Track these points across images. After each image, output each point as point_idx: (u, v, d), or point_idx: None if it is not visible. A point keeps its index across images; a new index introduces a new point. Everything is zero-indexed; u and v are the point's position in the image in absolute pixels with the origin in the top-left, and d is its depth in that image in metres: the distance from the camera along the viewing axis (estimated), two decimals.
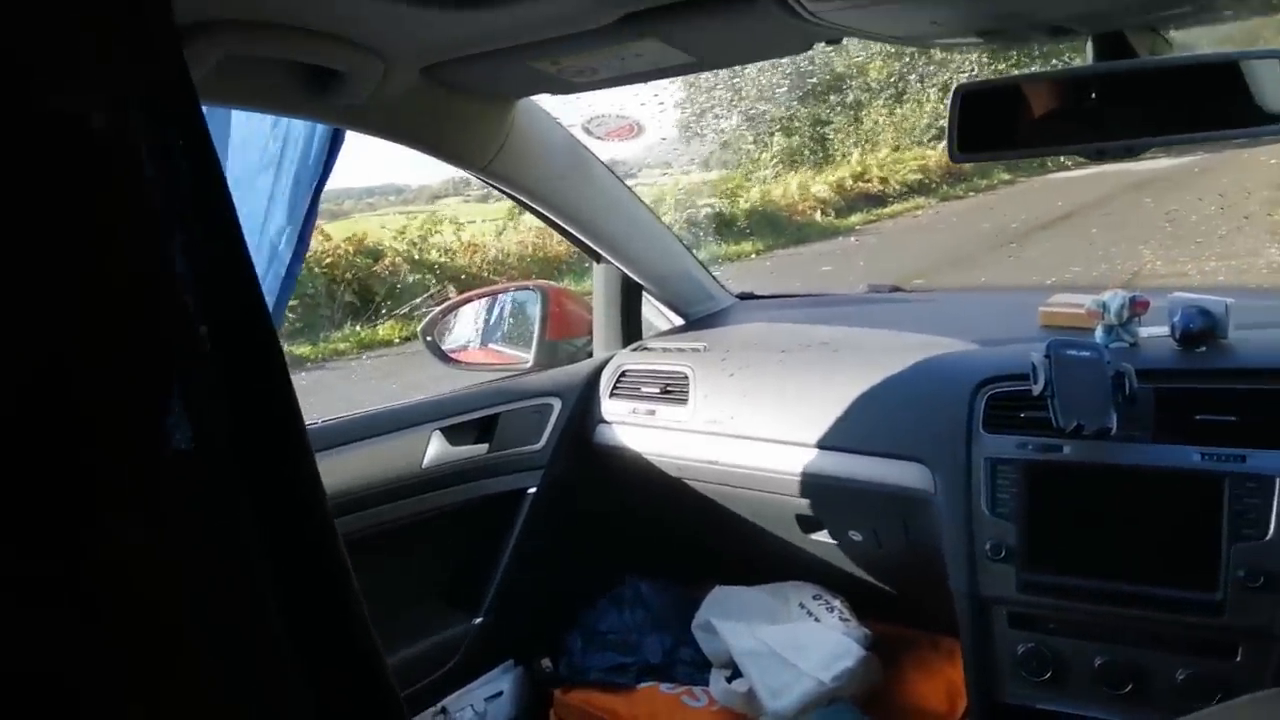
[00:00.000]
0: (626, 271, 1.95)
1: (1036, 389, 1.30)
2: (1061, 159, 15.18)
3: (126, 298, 0.53)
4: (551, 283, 2.36)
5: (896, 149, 12.37)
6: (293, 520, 0.73)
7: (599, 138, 2.38)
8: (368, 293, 7.91)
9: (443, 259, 8.79)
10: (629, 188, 1.91)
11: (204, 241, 0.55)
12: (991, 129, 1.13)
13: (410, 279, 8.22)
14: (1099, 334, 1.44)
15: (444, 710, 1.69)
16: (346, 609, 0.73)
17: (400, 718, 0.79)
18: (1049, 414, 1.28)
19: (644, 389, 1.83)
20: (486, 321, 2.21)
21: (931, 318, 1.82)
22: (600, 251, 1.91)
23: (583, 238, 1.87)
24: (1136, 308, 1.43)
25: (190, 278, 0.55)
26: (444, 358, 2.10)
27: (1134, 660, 1.27)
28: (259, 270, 1.44)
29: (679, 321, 2.05)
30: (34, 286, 0.49)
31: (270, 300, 1.55)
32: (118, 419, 0.54)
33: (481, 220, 9.76)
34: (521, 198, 1.74)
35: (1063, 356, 1.29)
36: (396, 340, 7.14)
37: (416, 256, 8.70)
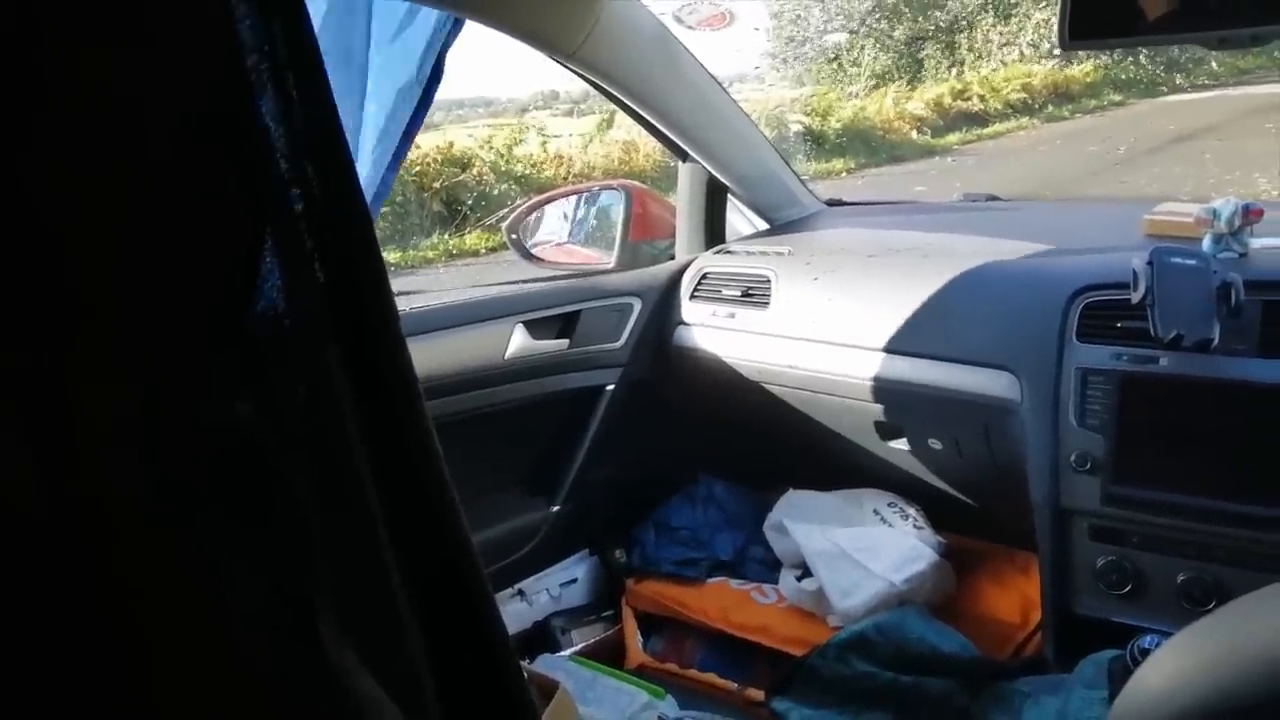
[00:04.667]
0: (713, 171, 1.92)
1: (1136, 297, 1.25)
2: (1176, 79, 14.37)
3: (217, 145, 0.54)
4: (636, 183, 2.33)
5: (1001, 66, 11.83)
6: (384, 394, 0.74)
7: (690, 27, 2.31)
8: (455, 202, 7.97)
9: (528, 170, 8.79)
10: (719, 83, 1.87)
11: (297, 108, 0.55)
12: (1105, 14, 1.06)
13: (496, 189, 8.26)
14: (1206, 243, 1.38)
15: (521, 592, 1.76)
16: (441, 489, 0.75)
17: (488, 603, 0.82)
18: (1147, 324, 1.23)
19: (725, 291, 1.81)
20: (570, 220, 2.21)
21: (1028, 226, 1.75)
22: (687, 149, 1.88)
23: (670, 134, 1.84)
24: (1249, 216, 1.35)
25: (282, 141, 0.56)
26: (527, 255, 2.11)
27: (1219, 578, 1.24)
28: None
29: (763, 226, 2.02)
30: (128, 123, 0.49)
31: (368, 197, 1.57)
32: (213, 270, 0.56)
33: (568, 135, 9.70)
34: (608, 88, 1.72)
35: (1166, 264, 1.24)
36: (483, 250, 7.21)
37: (503, 167, 8.71)
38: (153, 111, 0.49)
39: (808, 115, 9.40)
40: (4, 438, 0.46)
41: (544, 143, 9.26)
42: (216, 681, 0.56)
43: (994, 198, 2.20)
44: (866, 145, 9.49)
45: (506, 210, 7.87)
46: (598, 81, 1.70)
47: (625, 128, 8.77)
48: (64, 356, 0.46)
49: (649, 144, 8.58)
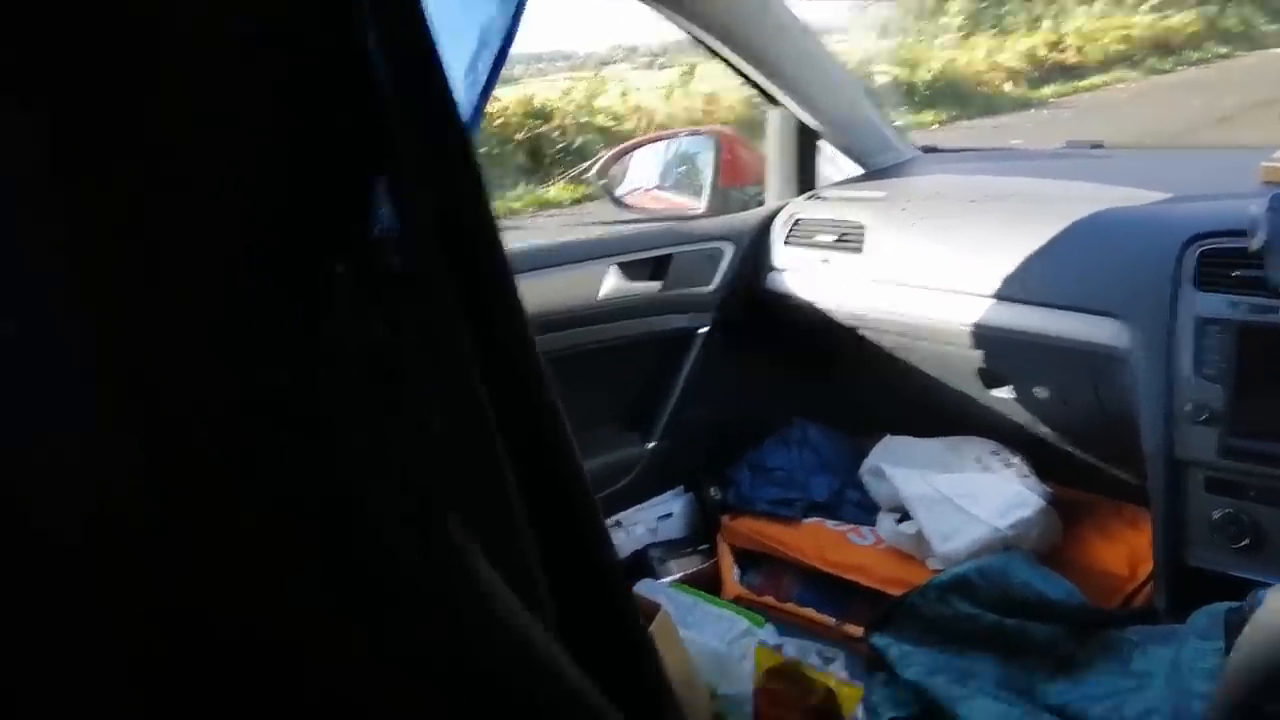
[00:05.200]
0: (804, 116, 1.88)
1: (1254, 244, 1.20)
2: None
3: (326, 73, 0.55)
4: (725, 129, 2.31)
5: (1099, 17, 11.33)
6: (497, 317, 0.76)
7: None
8: (538, 154, 7.99)
9: (610, 122, 8.75)
10: (809, 28, 1.83)
11: (398, 39, 0.57)
12: None
13: (578, 141, 8.25)
14: None
15: (618, 523, 1.79)
16: (555, 419, 0.77)
17: (596, 515, 0.83)
18: (1264, 272, 1.18)
19: (818, 237, 1.79)
20: (659, 167, 2.20)
21: (1137, 173, 1.68)
22: (778, 95, 1.85)
23: (760, 78, 1.82)
24: None
25: (385, 73, 0.57)
26: (616, 201, 2.12)
27: None
28: None
29: (855, 172, 1.98)
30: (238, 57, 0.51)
31: None
32: (330, 197, 0.58)
33: (649, 88, 9.62)
34: (700, 33, 1.70)
35: None
36: (567, 202, 7.22)
37: (584, 119, 8.69)
38: (262, 42, 0.50)
39: (896, 66, 9.15)
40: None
41: (624, 94, 9.19)
42: (358, 571, 0.58)
43: (1099, 145, 2.12)
44: (957, 97, 9.19)
45: (590, 162, 7.90)
46: (690, 26, 1.68)
47: (708, 80, 8.67)
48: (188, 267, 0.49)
49: (732, 97, 8.46)
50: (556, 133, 8.27)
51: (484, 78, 1.55)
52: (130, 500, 0.52)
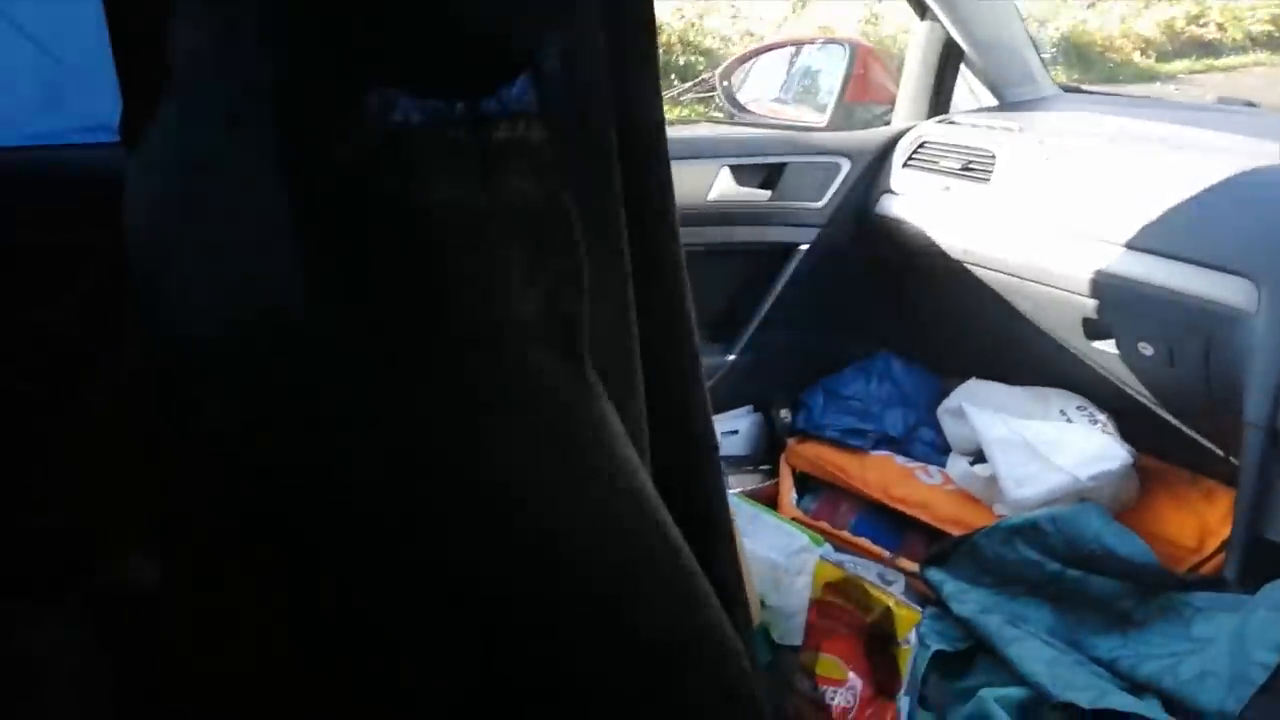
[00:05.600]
0: (952, 32, 1.82)
1: None
2: None
3: None
4: (862, 40, 2.25)
5: None
6: (647, 188, 0.78)
7: None
8: None
9: (717, 44, 8.55)
10: None
11: None
12: None
13: (683, 59, 8.08)
14: None
15: None
16: (684, 300, 0.79)
17: (701, 388, 0.85)
18: None
19: (943, 163, 1.74)
20: (786, 75, 2.16)
21: None
22: (931, 4, 1.78)
23: None
24: None
25: None
26: (737, 106, 2.09)
27: None
28: None
29: (992, 103, 1.92)
30: None
31: None
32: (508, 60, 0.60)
33: (759, 18, 9.35)
34: None
35: None
36: (671, 121, 7.08)
37: (690, 38, 8.50)
38: None
39: (1025, 19, 8.74)
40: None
41: (734, 18, 8.94)
42: (504, 382, 0.61)
43: (1251, 104, 2.03)
44: (1082, 61, 8.78)
45: (689, 85, 7.74)
46: None
47: (824, 10, 8.40)
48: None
49: (846, 28, 8.21)
50: (662, 50, 8.10)
51: None
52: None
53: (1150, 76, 8.94)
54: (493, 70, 0.59)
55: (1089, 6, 9.95)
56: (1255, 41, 10.00)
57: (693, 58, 8.16)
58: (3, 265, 1.05)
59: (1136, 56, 9.31)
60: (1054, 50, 8.61)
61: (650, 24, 0.74)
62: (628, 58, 0.71)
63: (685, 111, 7.17)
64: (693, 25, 8.57)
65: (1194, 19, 9.99)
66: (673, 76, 7.74)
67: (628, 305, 0.72)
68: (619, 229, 0.71)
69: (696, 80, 7.99)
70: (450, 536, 0.58)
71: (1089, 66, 8.82)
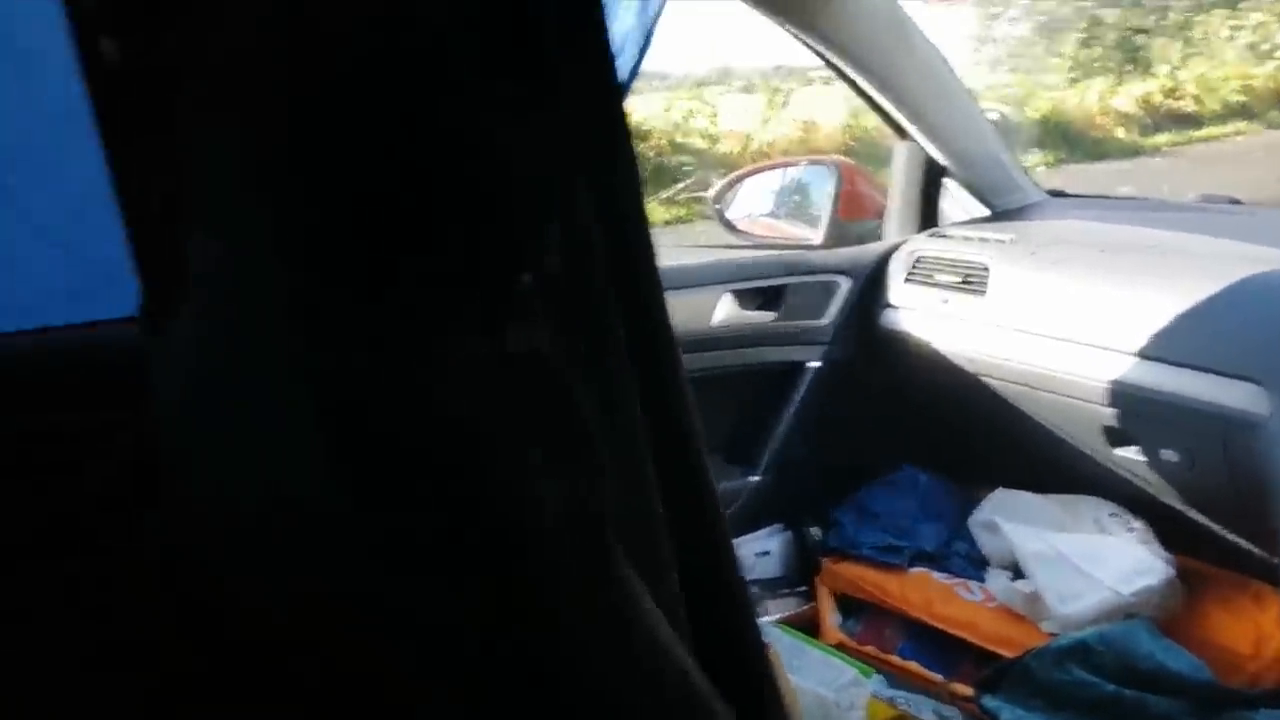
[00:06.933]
0: (932, 151, 1.85)
1: None
2: None
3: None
4: (848, 159, 2.29)
5: (1218, 65, 10.92)
6: (652, 343, 0.76)
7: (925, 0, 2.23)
8: None
9: (704, 144, 8.74)
10: (946, 61, 1.80)
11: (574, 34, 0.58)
12: None
13: (672, 161, 8.25)
14: None
15: None
16: (693, 433, 0.77)
17: (731, 551, 0.82)
18: None
19: (939, 277, 1.75)
20: (775, 194, 2.19)
21: (1278, 232, 1.61)
22: (907, 126, 1.81)
23: (891, 108, 1.79)
24: None
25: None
26: (729, 226, 2.11)
27: None
28: None
29: (980, 213, 1.93)
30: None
31: None
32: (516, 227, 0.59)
33: (740, 112, 9.57)
34: (836, 59, 1.69)
35: None
36: (661, 222, 7.21)
37: (678, 139, 8.70)
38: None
39: (1004, 103, 8.93)
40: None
41: (713, 117, 9.13)
42: (528, 588, 0.58)
43: (1235, 201, 2.04)
44: (1066, 140, 8.95)
45: (681, 186, 7.89)
46: (825, 50, 1.68)
47: (805, 106, 8.61)
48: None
49: (829, 124, 8.40)
50: (652, 152, 8.29)
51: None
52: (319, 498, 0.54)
53: (1135, 151, 9.11)
54: (503, 275, 0.59)
55: (1070, 85, 10.20)
56: (1232, 111, 10.23)
57: (682, 158, 8.35)
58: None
59: (1120, 133, 9.50)
60: (1037, 131, 8.78)
61: (633, 162, 0.74)
62: (620, 196, 0.71)
63: (682, 210, 7.32)
64: (679, 126, 8.79)
65: (1169, 93, 10.23)
66: (664, 178, 7.91)
67: (647, 471, 0.70)
68: (633, 409, 0.69)
69: (690, 179, 8.17)
70: None
71: (1074, 145, 8.99)
